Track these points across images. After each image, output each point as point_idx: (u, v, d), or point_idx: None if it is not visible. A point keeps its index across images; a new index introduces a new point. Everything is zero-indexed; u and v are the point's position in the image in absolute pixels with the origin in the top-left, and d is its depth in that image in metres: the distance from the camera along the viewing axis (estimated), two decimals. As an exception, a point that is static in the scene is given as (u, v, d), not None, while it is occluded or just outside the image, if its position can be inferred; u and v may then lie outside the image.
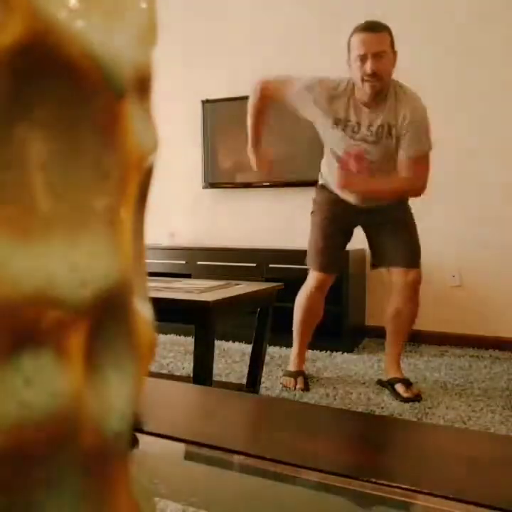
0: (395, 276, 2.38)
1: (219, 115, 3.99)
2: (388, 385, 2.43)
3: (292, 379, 2.51)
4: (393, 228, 2.36)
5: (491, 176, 3.27)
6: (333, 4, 3.58)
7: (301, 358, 2.61)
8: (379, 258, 2.47)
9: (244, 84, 3.86)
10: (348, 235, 2.51)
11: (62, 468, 0.16)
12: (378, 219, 2.38)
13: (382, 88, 2.18)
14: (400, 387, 2.36)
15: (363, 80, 2.17)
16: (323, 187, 2.51)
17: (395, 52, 2.22)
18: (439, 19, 3.34)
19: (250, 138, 2.50)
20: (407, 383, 2.38)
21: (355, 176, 2.27)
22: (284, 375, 2.58)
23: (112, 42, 0.15)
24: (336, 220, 2.44)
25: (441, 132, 3.38)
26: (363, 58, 2.15)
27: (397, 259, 2.35)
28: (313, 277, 2.49)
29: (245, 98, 3.86)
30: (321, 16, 3.64)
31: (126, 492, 0.18)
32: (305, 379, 2.53)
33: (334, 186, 2.41)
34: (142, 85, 0.17)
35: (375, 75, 2.14)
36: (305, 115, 2.35)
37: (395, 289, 2.38)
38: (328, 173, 2.45)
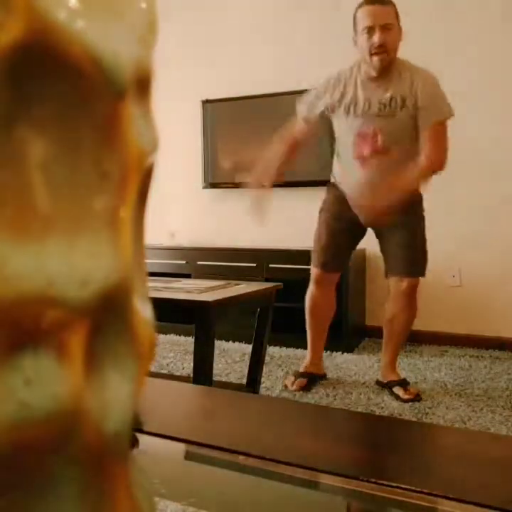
0: (391, 283, 2.36)
1: (219, 115, 3.99)
2: (387, 387, 2.43)
3: (292, 378, 2.51)
4: (399, 234, 2.31)
5: (492, 176, 3.27)
6: (334, 4, 3.58)
7: (312, 360, 2.56)
8: (386, 266, 2.43)
9: (244, 84, 3.87)
10: (357, 235, 2.46)
11: (62, 468, 0.16)
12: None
13: (390, 62, 2.16)
14: (398, 390, 2.35)
15: (370, 54, 2.15)
16: (333, 185, 2.47)
17: (400, 27, 2.20)
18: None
19: (279, 154, 2.40)
20: (405, 384, 2.38)
21: (377, 201, 2.19)
22: (293, 375, 2.57)
23: (112, 42, 0.15)
24: (342, 218, 2.40)
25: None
26: (370, 30, 2.13)
27: (394, 267, 2.33)
28: (312, 274, 2.47)
29: (245, 98, 3.89)
30: (322, 17, 3.64)
31: (126, 492, 0.18)
32: (309, 381, 2.49)
33: (346, 187, 2.38)
34: (142, 85, 0.17)
35: (382, 47, 2.12)
36: (326, 116, 2.34)
37: (391, 296, 2.37)
38: (341, 173, 2.42)
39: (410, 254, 2.30)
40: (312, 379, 2.51)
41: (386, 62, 2.15)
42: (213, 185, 4.04)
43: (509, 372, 2.74)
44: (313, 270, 2.45)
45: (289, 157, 2.43)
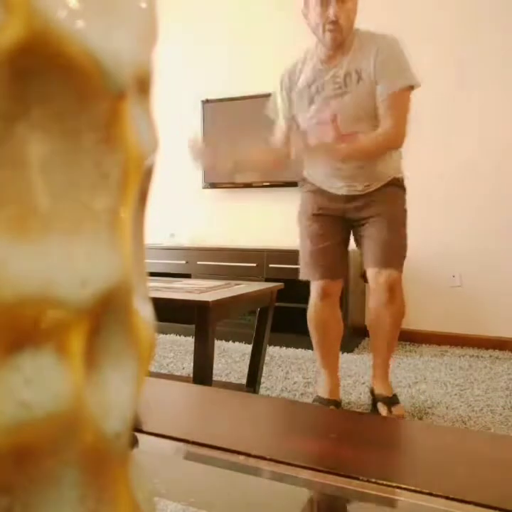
0: (368, 278, 2.09)
1: (219, 115, 3.99)
2: (372, 402, 2.19)
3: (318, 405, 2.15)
4: (376, 224, 2.04)
5: (492, 176, 3.27)
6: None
7: (332, 383, 2.20)
8: (363, 259, 2.15)
9: (244, 84, 3.87)
10: (345, 231, 2.16)
11: (62, 468, 0.16)
12: (363, 212, 2.07)
13: (343, 40, 1.92)
14: (381, 407, 2.10)
15: (323, 30, 1.91)
16: (304, 180, 2.21)
17: None
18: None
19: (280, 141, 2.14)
20: (392, 403, 2.10)
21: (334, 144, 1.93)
22: (313, 401, 2.20)
23: (112, 42, 0.15)
24: (324, 217, 2.12)
25: (440, 131, 3.38)
26: (324, 2, 1.88)
27: (370, 258, 2.06)
28: (315, 288, 2.13)
29: (245, 98, 3.88)
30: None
31: (126, 492, 0.18)
32: (337, 408, 2.17)
33: (316, 175, 2.13)
34: (142, 85, 0.17)
35: (337, 23, 1.88)
36: (294, 113, 2.09)
37: (371, 292, 2.09)
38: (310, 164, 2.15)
39: (388, 244, 2.03)
40: (338, 406, 2.20)
41: (338, 41, 1.91)
42: (213, 185, 4.04)
43: (509, 372, 2.74)
44: (316, 284, 2.13)
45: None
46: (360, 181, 2.05)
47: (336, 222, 2.12)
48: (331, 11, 1.87)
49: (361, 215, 2.08)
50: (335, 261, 2.14)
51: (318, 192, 2.14)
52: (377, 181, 2.04)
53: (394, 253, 2.03)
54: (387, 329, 2.08)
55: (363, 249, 2.11)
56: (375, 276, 2.03)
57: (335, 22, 1.88)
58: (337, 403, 2.19)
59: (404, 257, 2.06)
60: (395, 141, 1.94)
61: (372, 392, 2.22)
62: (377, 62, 1.89)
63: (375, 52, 1.90)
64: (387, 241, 2.03)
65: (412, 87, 1.92)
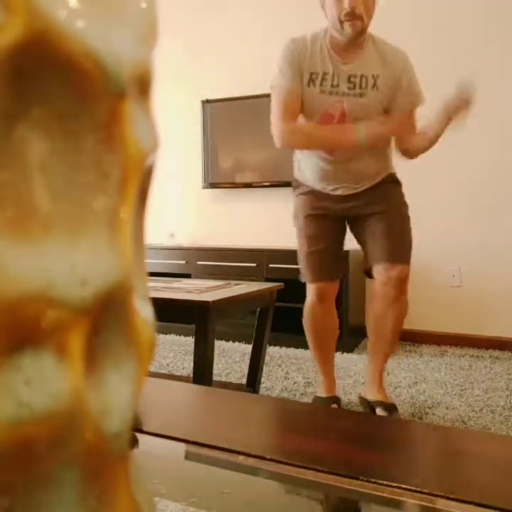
0: (376, 273, 2.01)
1: (219, 115, 3.99)
2: (369, 407, 2.09)
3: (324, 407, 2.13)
4: (383, 220, 2.01)
5: (491, 175, 3.27)
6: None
7: (329, 380, 2.19)
8: (366, 259, 2.10)
9: (244, 84, 3.87)
10: (341, 232, 2.13)
11: (62, 468, 0.16)
12: (365, 209, 2.03)
13: (363, 30, 1.87)
14: (381, 413, 2.02)
15: (340, 21, 1.85)
16: (297, 181, 2.19)
17: None
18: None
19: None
20: (392, 410, 2.05)
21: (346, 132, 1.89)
22: (313, 401, 2.19)
23: (112, 42, 0.15)
24: (320, 217, 2.08)
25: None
26: None
27: (380, 253, 1.99)
28: (311, 290, 2.11)
29: (245, 98, 3.88)
30: (323, 17, 3.64)
31: (126, 492, 0.18)
32: (338, 405, 2.17)
33: (312, 178, 2.09)
34: (142, 85, 0.17)
35: (354, 14, 1.82)
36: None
37: (377, 290, 2.02)
38: (304, 161, 2.12)
39: (396, 238, 2.00)
40: (338, 402, 2.20)
41: (358, 29, 1.85)
42: (213, 185, 4.04)
43: (509, 372, 2.74)
44: (312, 286, 2.11)
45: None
46: (350, 181, 2.03)
47: (333, 222, 2.09)
48: (346, 2, 1.81)
49: (364, 212, 2.05)
50: (331, 263, 2.11)
51: (313, 193, 2.10)
52: (368, 179, 2.03)
53: (404, 248, 2.01)
54: (390, 335, 2.03)
55: (370, 244, 2.05)
56: (386, 271, 1.97)
57: (350, 13, 1.82)
58: (337, 399, 2.18)
59: (411, 252, 2.03)
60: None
61: (362, 398, 2.17)
62: (405, 76, 1.93)
63: (401, 69, 1.93)
64: (397, 235, 2.00)
65: None
